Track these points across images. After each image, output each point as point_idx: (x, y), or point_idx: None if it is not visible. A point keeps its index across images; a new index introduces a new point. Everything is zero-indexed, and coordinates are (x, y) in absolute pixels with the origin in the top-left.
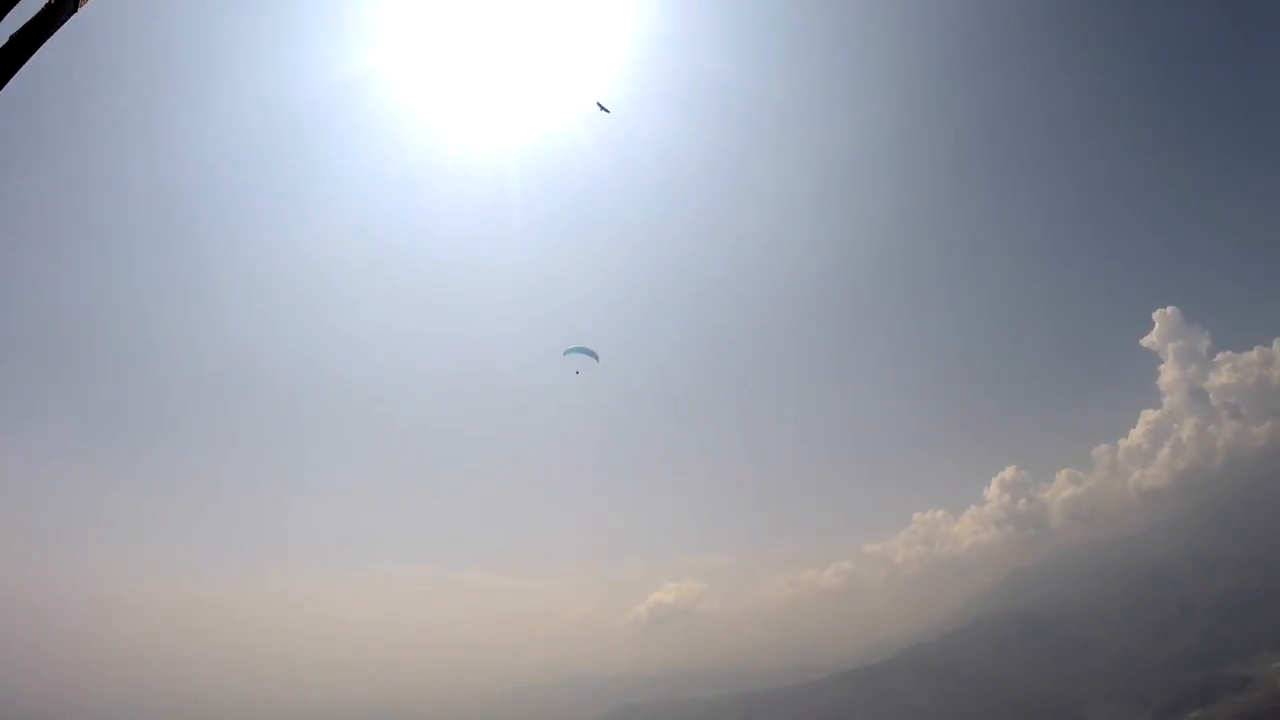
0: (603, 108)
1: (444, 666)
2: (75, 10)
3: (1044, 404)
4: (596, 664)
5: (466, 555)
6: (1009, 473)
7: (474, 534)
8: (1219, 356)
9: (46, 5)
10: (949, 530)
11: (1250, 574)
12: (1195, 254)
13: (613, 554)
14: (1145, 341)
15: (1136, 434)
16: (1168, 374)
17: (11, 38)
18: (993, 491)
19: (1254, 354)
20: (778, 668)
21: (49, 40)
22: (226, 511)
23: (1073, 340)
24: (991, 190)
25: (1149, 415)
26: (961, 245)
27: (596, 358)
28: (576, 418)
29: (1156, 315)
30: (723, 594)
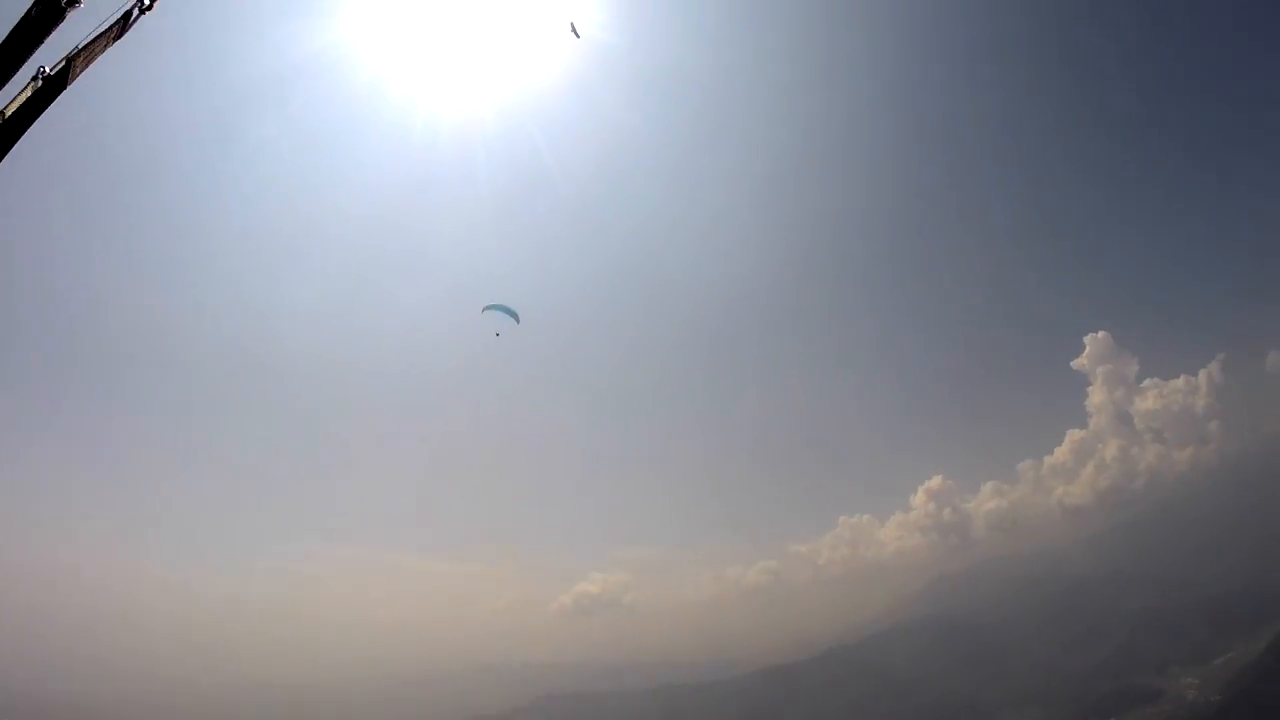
0: (575, 32)
1: (366, 650)
2: (65, 87)
3: (973, 417)
4: (519, 652)
5: (391, 537)
6: (936, 482)
7: (400, 517)
8: (1146, 382)
9: (39, 85)
10: (875, 535)
11: (1164, 592)
12: (1130, 281)
13: (540, 542)
14: (1075, 363)
15: (1062, 452)
16: (1095, 396)
17: (4, 117)
18: (919, 499)
19: (1180, 382)
20: (700, 662)
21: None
22: (144, 488)
23: (1005, 357)
24: (937, 202)
25: (1075, 434)
26: (901, 255)
27: (517, 318)
28: (510, 404)
29: (1088, 339)
30: (648, 587)
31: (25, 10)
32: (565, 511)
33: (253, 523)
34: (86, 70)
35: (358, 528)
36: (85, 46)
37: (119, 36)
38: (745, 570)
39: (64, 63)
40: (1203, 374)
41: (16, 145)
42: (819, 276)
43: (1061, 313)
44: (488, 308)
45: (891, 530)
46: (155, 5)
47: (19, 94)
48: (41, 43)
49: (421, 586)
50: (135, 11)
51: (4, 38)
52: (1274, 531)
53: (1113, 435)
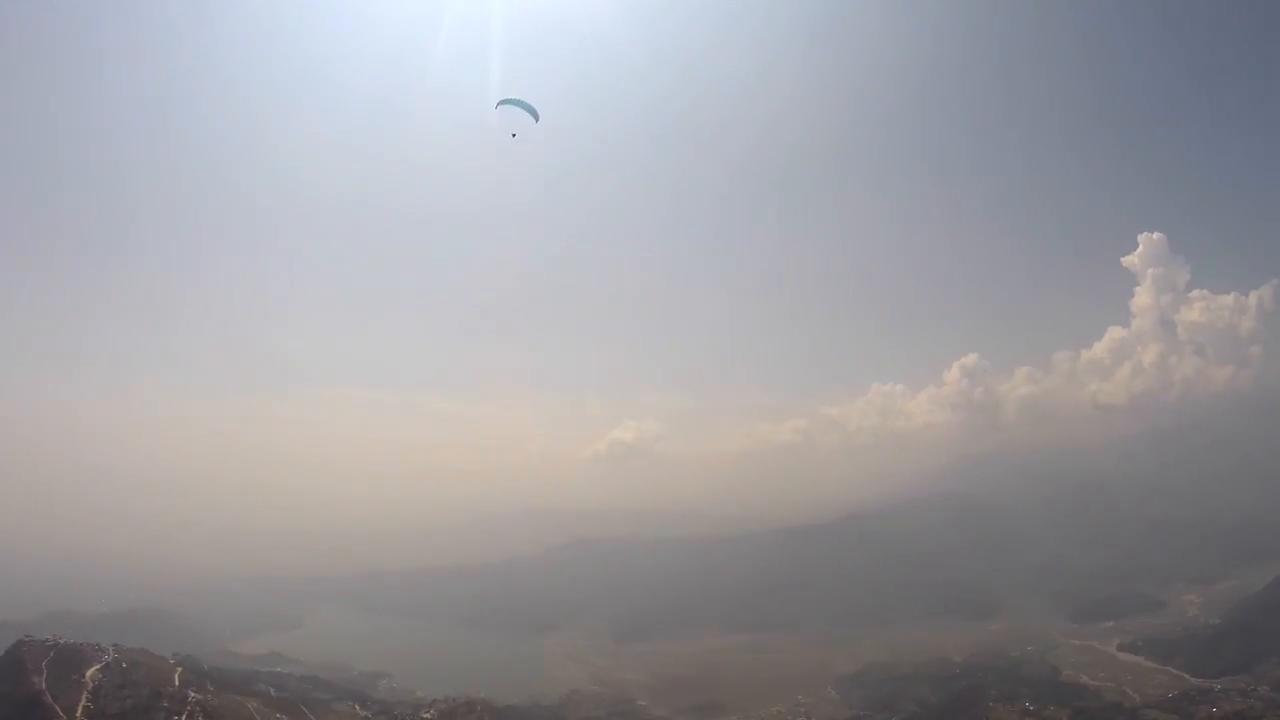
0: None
1: (403, 494)
2: None
3: (1016, 298)
4: (553, 496)
5: (429, 382)
6: (970, 359)
7: (438, 361)
8: (1195, 293)
9: None
10: (905, 405)
11: (1181, 507)
12: (1195, 187)
13: (577, 387)
14: (1126, 260)
15: (1100, 348)
16: (1142, 297)
17: None
18: (952, 375)
19: (1229, 299)
20: (725, 516)
21: None
22: (178, 331)
23: (1057, 243)
24: (1004, 75)
25: (1116, 333)
26: (963, 124)
27: (535, 115)
28: (547, 248)
29: (1142, 238)
30: (680, 437)
31: None
32: (603, 357)
33: (289, 367)
34: None
35: (396, 372)
36: None
37: None
38: (776, 427)
39: None
40: (1254, 295)
41: None
42: (876, 133)
43: (1120, 207)
44: (503, 102)
45: (922, 403)
46: None
47: None
48: None
49: (459, 431)
50: None
51: None
52: None
53: (1153, 340)
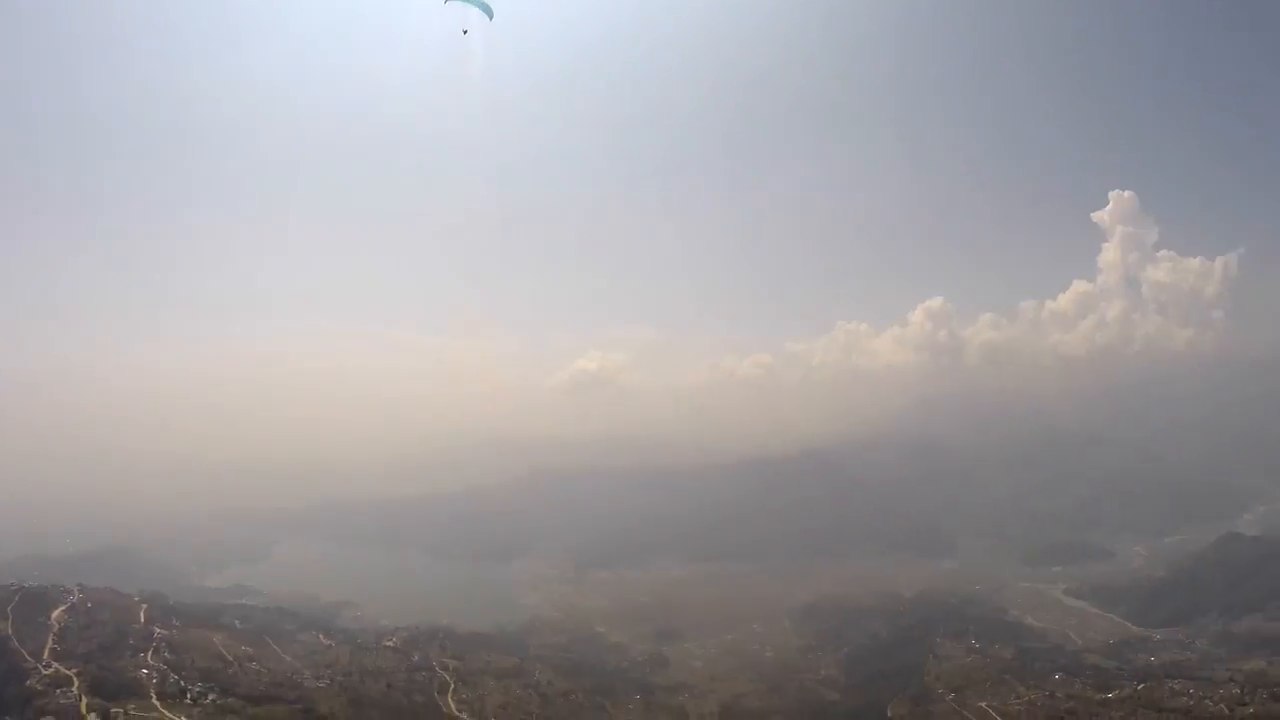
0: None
1: (368, 424)
2: None
3: (985, 246)
4: (516, 426)
5: (395, 313)
6: (936, 302)
7: (404, 293)
8: (1162, 253)
9: None
10: (869, 344)
11: (1135, 459)
12: (1170, 149)
13: (543, 319)
14: (1096, 216)
15: (1065, 299)
16: (1109, 253)
17: None
18: (917, 316)
19: (1196, 262)
20: (688, 447)
21: None
22: (138, 266)
23: (1028, 193)
24: (982, 30)
25: (1081, 286)
26: (939, 72)
27: (490, 14)
28: (515, 181)
29: (1113, 194)
30: (645, 369)
31: None
32: (570, 289)
33: (251, 299)
34: None
35: (362, 305)
36: None
37: None
38: (740, 361)
39: None
40: (1220, 261)
41: None
42: (849, 75)
43: (1093, 163)
44: None
45: (886, 342)
46: None
47: None
48: None
49: (425, 362)
50: None
51: None
52: (1248, 433)
53: (1118, 296)
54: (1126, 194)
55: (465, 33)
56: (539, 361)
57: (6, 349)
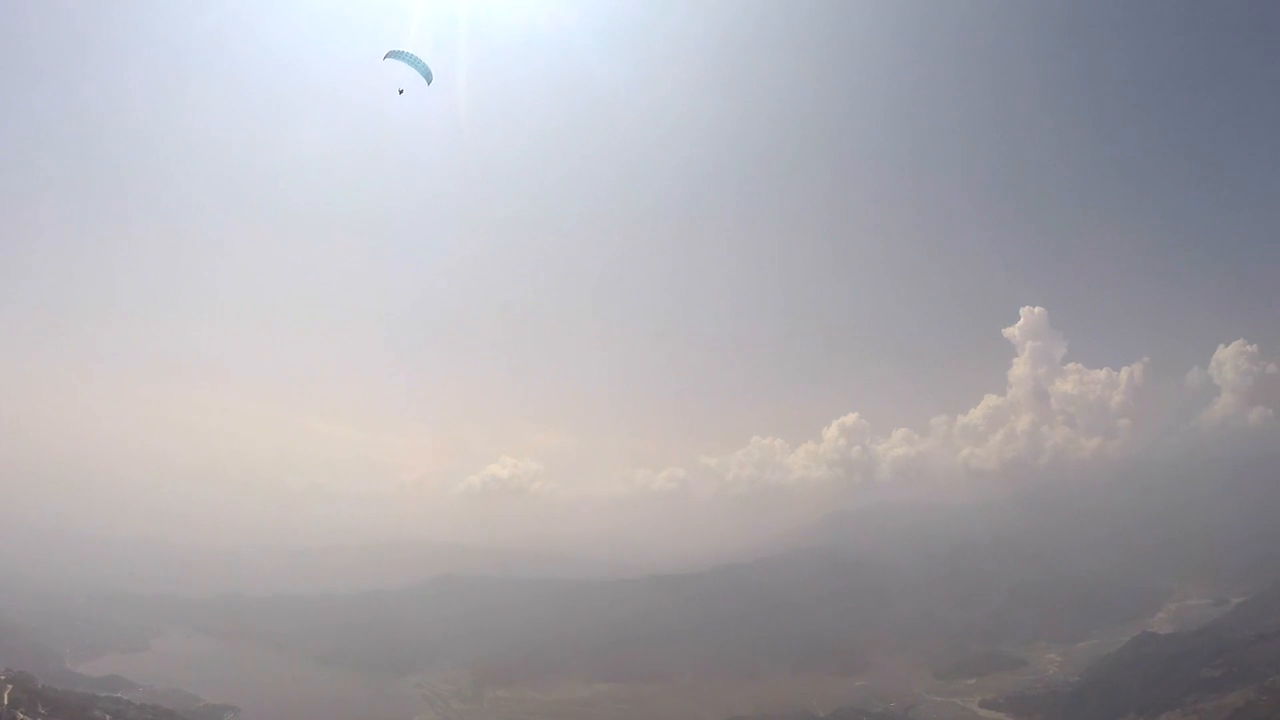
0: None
1: (270, 511)
2: None
3: (898, 363)
4: (422, 529)
5: (304, 397)
6: (850, 418)
7: (319, 378)
8: (1070, 366)
9: None
10: (783, 460)
11: (1045, 569)
12: (1078, 266)
13: (457, 419)
14: (1007, 332)
15: (976, 414)
16: (1019, 368)
17: None
18: (831, 432)
19: (1102, 374)
20: (598, 560)
21: None
22: (46, 314)
23: (940, 311)
24: (896, 145)
25: (992, 400)
26: (859, 190)
27: (429, 77)
28: (437, 277)
29: (1024, 311)
30: (558, 478)
31: None
32: (487, 391)
33: (160, 365)
34: None
35: (267, 383)
36: None
37: None
38: (654, 474)
39: None
40: (1125, 371)
41: None
42: (770, 191)
43: (1004, 280)
44: (392, 54)
45: (800, 458)
46: None
47: None
48: None
49: (333, 452)
50: None
51: None
52: (1157, 535)
53: (1028, 409)
54: (1037, 310)
55: (401, 92)
56: (449, 464)
57: None
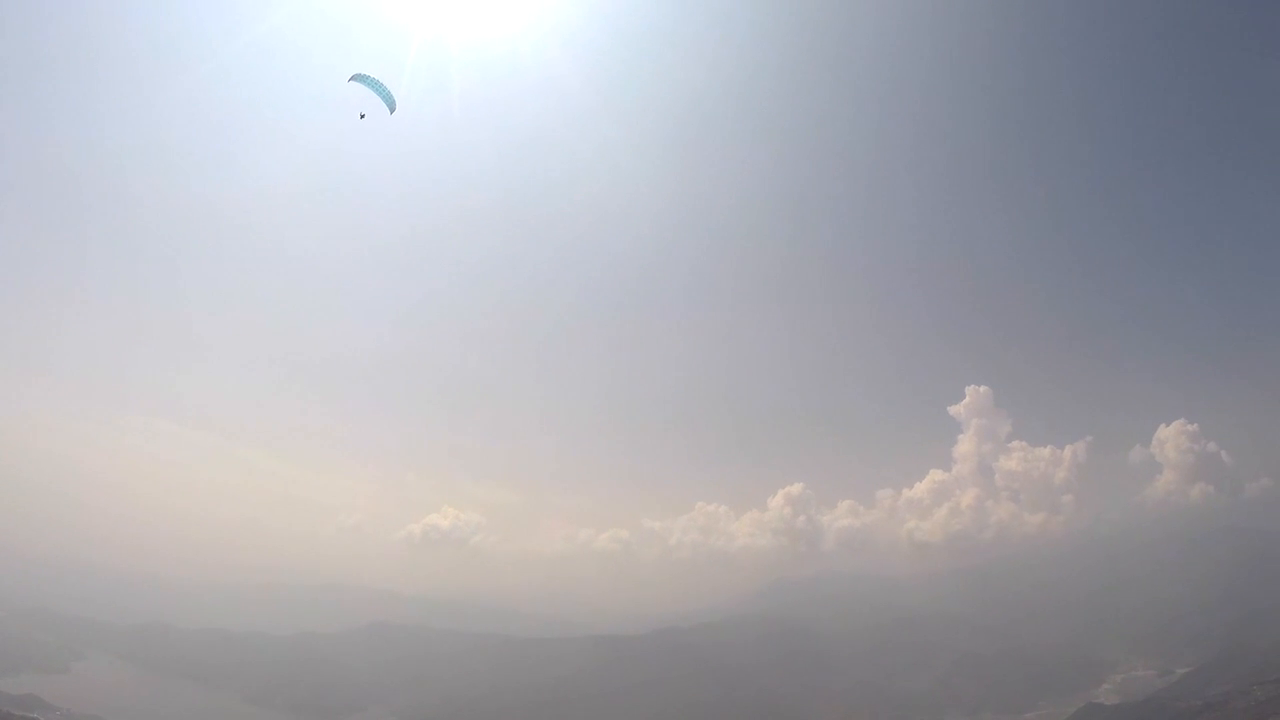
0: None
1: (204, 543)
2: None
3: (844, 436)
4: (359, 574)
5: (246, 431)
6: (796, 488)
7: (256, 407)
8: (1014, 443)
9: None
10: (728, 526)
11: (989, 640)
12: (1023, 345)
13: (399, 466)
14: (953, 409)
15: (921, 488)
16: (964, 444)
17: None
18: (777, 501)
19: (1046, 451)
20: (535, 616)
21: None
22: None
23: (887, 387)
24: (848, 223)
25: (937, 475)
26: (812, 258)
27: (392, 106)
28: (391, 324)
29: (970, 389)
30: (499, 532)
31: None
32: (431, 440)
33: (92, 385)
34: None
35: (211, 413)
36: None
37: None
38: (597, 534)
39: None
40: (1068, 449)
41: None
42: (726, 265)
43: (950, 358)
44: (356, 77)
45: (745, 525)
46: None
47: None
48: None
49: (272, 489)
50: None
51: None
52: (1101, 608)
53: (972, 485)
54: (982, 389)
55: (362, 117)
56: (390, 510)
57: None
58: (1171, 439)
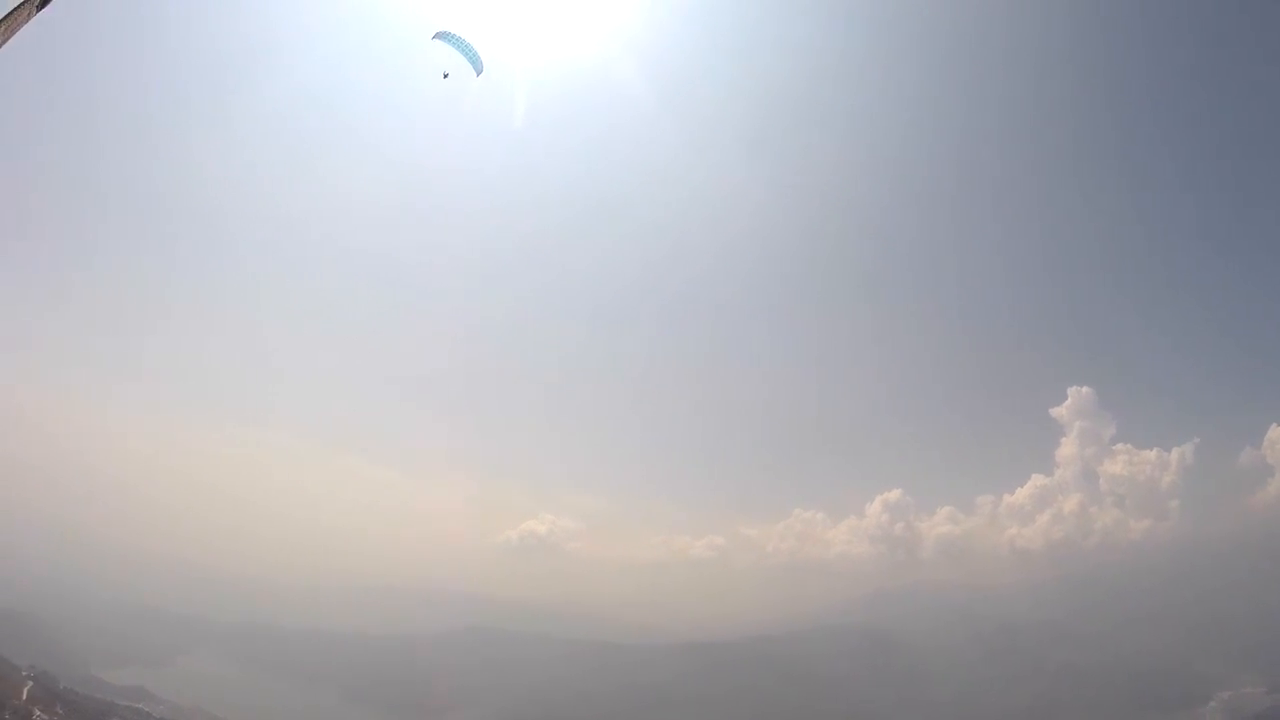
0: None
1: (304, 548)
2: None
3: (944, 441)
4: (457, 578)
5: (349, 441)
6: (895, 495)
7: (360, 419)
8: (1119, 446)
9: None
10: (824, 534)
11: (1092, 653)
12: (1127, 345)
13: (498, 471)
14: (1054, 412)
15: (1023, 493)
16: (1067, 448)
17: None
18: (874, 508)
19: (1152, 454)
20: (629, 623)
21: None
22: (130, 342)
23: (987, 389)
24: (945, 222)
25: (1039, 480)
26: (906, 266)
27: (478, 68)
28: (491, 332)
29: (1072, 390)
30: (595, 539)
31: None
32: (531, 447)
33: (208, 396)
34: (8, 41)
35: (318, 425)
36: (4, 19)
37: (42, 7)
38: (693, 542)
39: None
40: (1175, 452)
41: None
42: (816, 267)
43: (1051, 359)
44: (441, 34)
45: (842, 532)
46: None
47: None
48: None
49: (372, 496)
50: None
51: None
52: (1208, 621)
53: (1075, 490)
54: (1084, 390)
55: (446, 76)
56: (488, 516)
57: None
58: None
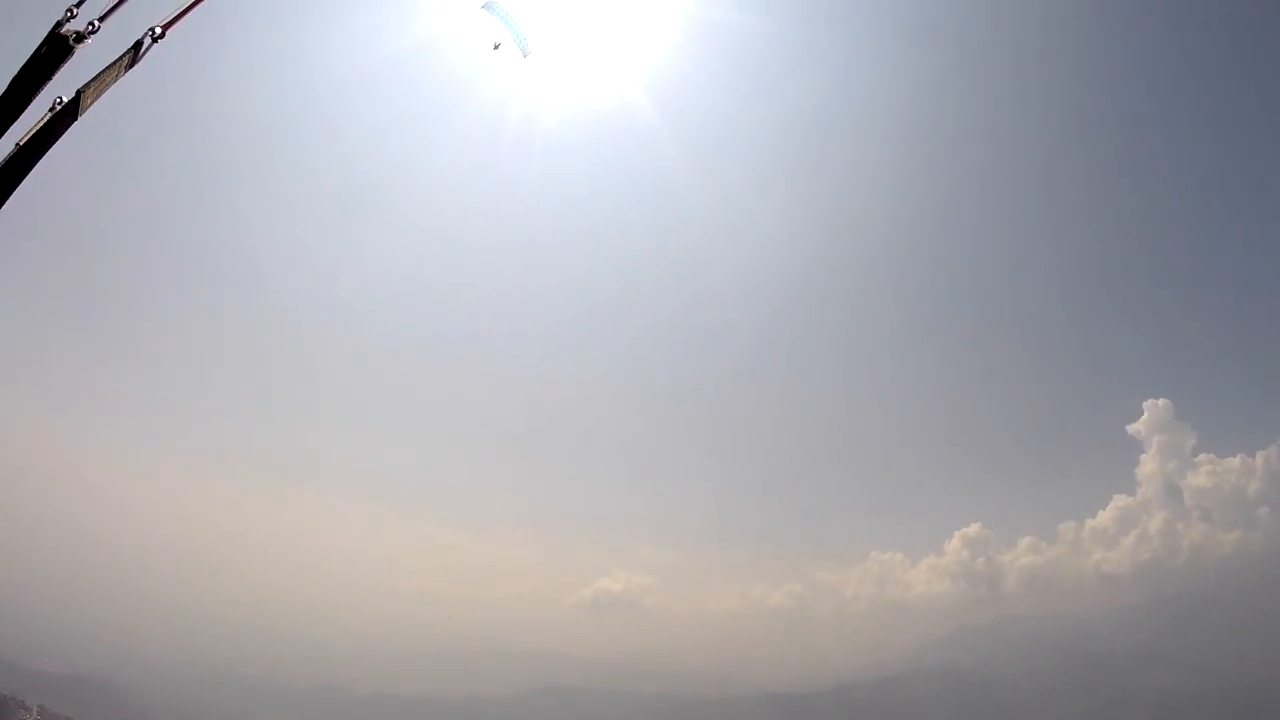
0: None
1: (377, 612)
2: (76, 118)
3: (1020, 469)
4: (530, 638)
5: (421, 505)
6: (973, 529)
7: (432, 485)
8: (1201, 457)
9: (50, 116)
10: (904, 574)
11: (1193, 676)
12: (1200, 353)
13: (570, 531)
14: (1131, 428)
15: (1105, 516)
16: (1147, 464)
17: (18, 146)
18: (953, 544)
19: (1236, 461)
20: (709, 676)
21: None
22: (198, 408)
23: (1061, 412)
24: (1016, 245)
25: (1121, 500)
26: (967, 292)
27: (525, 52)
28: (558, 388)
29: (1148, 404)
30: (670, 593)
31: (35, 47)
32: (602, 505)
33: (288, 465)
34: (97, 100)
35: (387, 489)
36: (96, 78)
37: (130, 66)
38: (770, 591)
39: (75, 95)
40: (1260, 456)
41: (30, 174)
42: (879, 302)
43: (1125, 374)
44: (488, 6)
45: (922, 572)
46: (167, 34)
47: (33, 125)
48: (51, 77)
49: (445, 559)
50: (147, 41)
51: (16, 72)
52: None
53: (1160, 507)
54: (1161, 402)
55: (496, 47)
56: (560, 576)
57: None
58: None
